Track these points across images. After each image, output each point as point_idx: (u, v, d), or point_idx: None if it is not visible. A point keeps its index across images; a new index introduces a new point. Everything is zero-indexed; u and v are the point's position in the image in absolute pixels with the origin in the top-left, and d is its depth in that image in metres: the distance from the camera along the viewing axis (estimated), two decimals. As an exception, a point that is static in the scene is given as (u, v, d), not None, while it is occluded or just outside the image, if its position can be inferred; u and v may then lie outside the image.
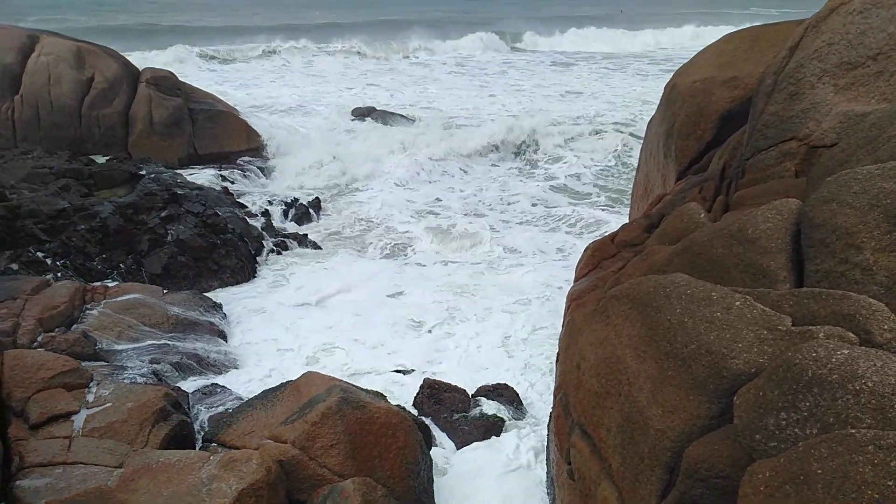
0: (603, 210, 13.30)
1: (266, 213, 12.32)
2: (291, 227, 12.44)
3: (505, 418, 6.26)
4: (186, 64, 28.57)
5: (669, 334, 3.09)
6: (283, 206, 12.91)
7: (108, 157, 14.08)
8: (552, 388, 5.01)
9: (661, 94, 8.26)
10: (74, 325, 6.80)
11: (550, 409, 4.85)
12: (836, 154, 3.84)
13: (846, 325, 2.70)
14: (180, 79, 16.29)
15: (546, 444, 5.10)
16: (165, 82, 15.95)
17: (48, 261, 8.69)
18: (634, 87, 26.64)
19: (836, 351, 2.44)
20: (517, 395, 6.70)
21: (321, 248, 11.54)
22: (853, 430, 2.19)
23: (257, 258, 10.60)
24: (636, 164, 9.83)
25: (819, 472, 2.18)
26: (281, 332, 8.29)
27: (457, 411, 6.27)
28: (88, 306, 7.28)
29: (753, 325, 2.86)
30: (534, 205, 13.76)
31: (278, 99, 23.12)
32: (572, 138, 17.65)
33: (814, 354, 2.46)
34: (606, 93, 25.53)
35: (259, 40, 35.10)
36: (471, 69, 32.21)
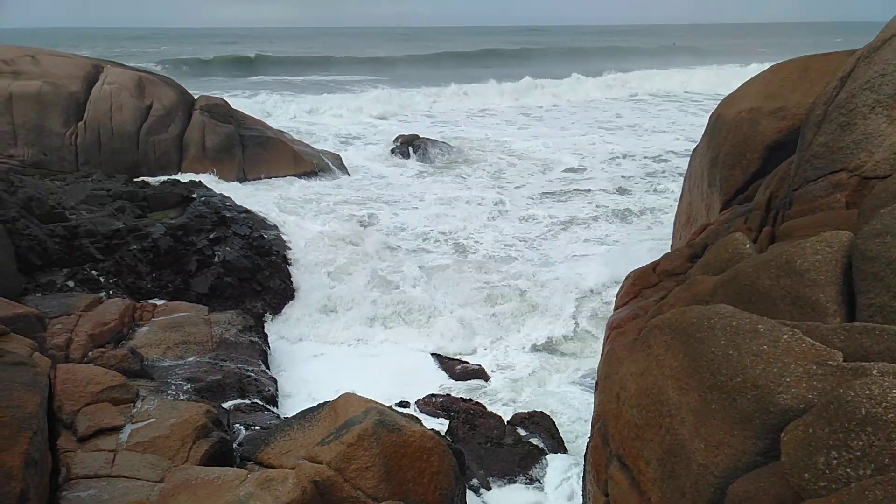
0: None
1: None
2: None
3: (541, 447, 6.15)
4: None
5: (713, 366, 3.01)
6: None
7: (162, 181, 14.68)
8: (589, 418, 4.91)
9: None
10: (123, 342, 7.04)
11: (588, 439, 4.74)
12: (889, 186, 3.72)
13: (902, 363, 2.59)
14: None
15: (583, 474, 4.98)
16: (218, 110, 16.66)
17: (102, 279, 9.04)
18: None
19: (892, 389, 2.33)
20: (553, 423, 6.58)
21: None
22: (910, 473, 2.09)
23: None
24: (679, 193, 9.69)
25: (873, 515, 2.07)
26: (321, 355, 8.39)
27: (492, 439, 6.20)
28: (137, 324, 7.53)
29: (802, 360, 2.76)
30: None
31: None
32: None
33: (867, 392, 2.36)
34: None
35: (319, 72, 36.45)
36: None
